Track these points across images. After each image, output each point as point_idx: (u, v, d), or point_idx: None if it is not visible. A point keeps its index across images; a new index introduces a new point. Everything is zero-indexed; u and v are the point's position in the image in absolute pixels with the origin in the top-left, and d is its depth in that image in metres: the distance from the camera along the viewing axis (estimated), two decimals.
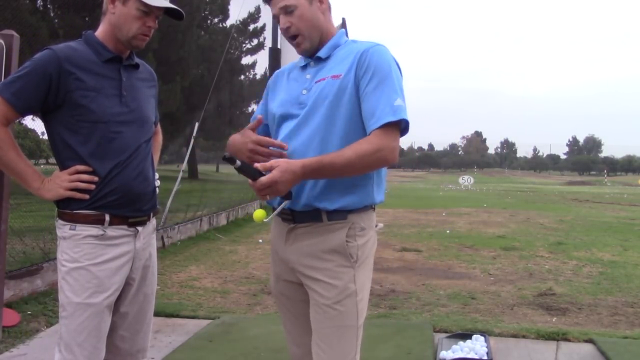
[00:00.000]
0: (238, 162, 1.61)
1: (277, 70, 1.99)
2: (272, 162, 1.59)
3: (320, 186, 1.69)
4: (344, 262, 1.70)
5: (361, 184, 1.72)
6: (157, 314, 4.28)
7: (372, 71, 1.68)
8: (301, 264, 1.74)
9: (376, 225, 1.82)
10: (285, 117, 1.79)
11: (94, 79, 1.84)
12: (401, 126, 1.68)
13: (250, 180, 1.60)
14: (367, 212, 1.76)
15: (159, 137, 2.23)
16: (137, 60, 2.00)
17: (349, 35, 1.91)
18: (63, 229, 1.85)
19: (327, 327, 1.70)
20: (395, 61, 1.75)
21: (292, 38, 1.77)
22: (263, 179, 1.57)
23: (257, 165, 1.60)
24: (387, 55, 1.72)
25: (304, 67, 1.83)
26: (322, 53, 1.79)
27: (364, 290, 1.74)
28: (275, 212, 1.72)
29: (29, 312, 4.03)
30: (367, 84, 1.68)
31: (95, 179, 1.83)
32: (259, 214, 1.70)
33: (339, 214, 1.70)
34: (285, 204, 1.71)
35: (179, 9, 1.95)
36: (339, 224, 1.71)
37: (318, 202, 1.69)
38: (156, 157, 2.13)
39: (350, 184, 1.70)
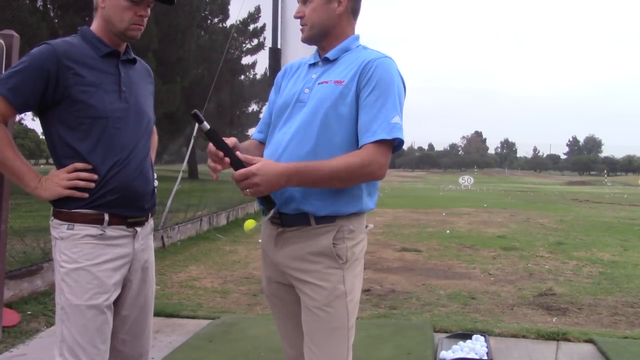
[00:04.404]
0: (206, 125, 1.56)
1: (287, 64, 1.99)
2: (256, 157, 1.59)
3: (309, 191, 1.68)
4: (333, 264, 1.70)
5: (352, 192, 1.71)
6: (157, 314, 4.29)
7: (374, 84, 1.67)
8: (290, 267, 1.74)
9: (366, 226, 1.81)
10: (283, 113, 1.79)
11: (93, 74, 1.80)
12: (394, 143, 1.67)
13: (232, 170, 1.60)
14: (356, 215, 1.75)
15: (155, 137, 2.19)
16: (133, 55, 1.96)
17: None
18: (60, 228, 1.81)
19: (318, 329, 1.69)
20: (400, 76, 1.74)
21: (302, 24, 1.81)
22: (242, 170, 1.56)
23: (239, 154, 1.59)
24: (391, 69, 1.71)
25: (313, 65, 1.83)
26: (330, 54, 1.78)
27: (354, 291, 1.74)
28: (260, 222, 1.71)
29: (29, 312, 4.03)
30: (367, 96, 1.67)
31: (95, 177, 1.79)
32: (248, 223, 1.70)
33: (327, 218, 1.70)
34: (270, 213, 1.69)
35: None
36: (326, 227, 1.70)
37: (307, 206, 1.68)
38: (152, 157, 2.09)
39: (340, 190, 1.69)
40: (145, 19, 1.90)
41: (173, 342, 3.62)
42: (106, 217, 1.81)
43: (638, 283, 5.73)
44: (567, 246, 8.32)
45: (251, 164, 1.58)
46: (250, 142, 1.92)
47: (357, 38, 1.83)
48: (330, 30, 1.78)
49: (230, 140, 1.68)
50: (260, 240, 1.87)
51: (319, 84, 1.74)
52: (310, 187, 1.65)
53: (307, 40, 1.81)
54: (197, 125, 1.64)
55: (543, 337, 3.77)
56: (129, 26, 1.84)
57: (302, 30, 1.81)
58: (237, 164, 1.58)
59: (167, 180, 8.97)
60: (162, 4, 1.97)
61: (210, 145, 1.62)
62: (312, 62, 1.84)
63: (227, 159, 1.60)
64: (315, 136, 1.68)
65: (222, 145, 1.60)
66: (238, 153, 1.61)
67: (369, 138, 1.64)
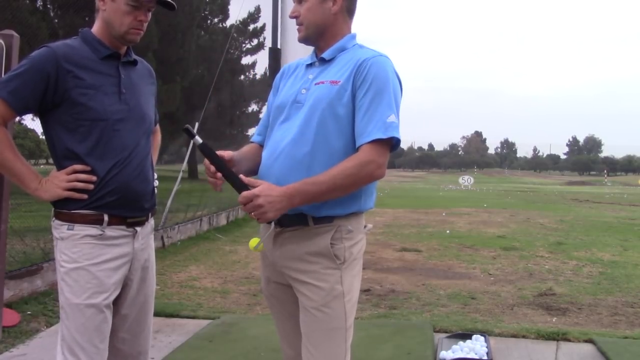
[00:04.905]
0: (199, 140, 1.54)
1: (285, 65, 1.99)
2: (258, 181, 1.60)
3: None
4: (330, 264, 1.69)
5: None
6: (157, 314, 4.30)
7: (370, 83, 1.66)
8: (288, 267, 1.74)
9: (365, 226, 1.80)
10: (280, 114, 1.79)
11: (93, 76, 1.81)
12: (392, 142, 1.67)
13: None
14: (355, 215, 1.75)
15: (158, 137, 2.20)
16: (135, 57, 1.97)
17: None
18: (60, 229, 1.82)
19: (316, 330, 1.69)
20: (396, 74, 1.74)
21: (298, 24, 1.80)
22: (246, 192, 1.56)
23: (242, 177, 1.59)
24: (387, 68, 1.70)
25: (309, 66, 1.83)
26: (326, 54, 1.78)
27: (352, 292, 1.73)
28: (262, 238, 1.72)
29: (29, 312, 4.03)
30: (362, 96, 1.66)
31: (94, 178, 1.80)
32: (253, 242, 1.70)
33: (325, 218, 1.70)
34: (271, 229, 1.71)
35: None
36: (325, 227, 1.70)
37: (305, 206, 1.67)
38: (154, 157, 2.10)
39: None
40: (145, 24, 1.90)
41: (173, 342, 3.62)
42: (105, 217, 1.82)
43: (638, 283, 5.73)
44: (567, 246, 8.32)
45: (254, 187, 1.58)
46: (250, 147, 1.92)
47: (354, 37, 1.82)
48: (325, 30, 1.77)
49: (227, 154, 1.68)
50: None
51: (315, 84, 1.74)
52: (315, 202, 1.64)
53: (304, 40, 1.81)
54: (195, 128, 1.64)
55: (543, 337, 3.77)
56: (129, 30, 1.85)
57: (298, 30, 1.80)
58: (241, 186, 1.58)
59: (167, 180, 8.98)
60: (162, 7, 1.98)
61: (206, 160, 1.63)
62: (309, 62, 1.83)
63: (219, 174, 1.62)
64: (312, 138, 1.67)
65: (214, 160, 1.61)
66: (242, 176, 1.61)
67: (365, 139, 1.63)
